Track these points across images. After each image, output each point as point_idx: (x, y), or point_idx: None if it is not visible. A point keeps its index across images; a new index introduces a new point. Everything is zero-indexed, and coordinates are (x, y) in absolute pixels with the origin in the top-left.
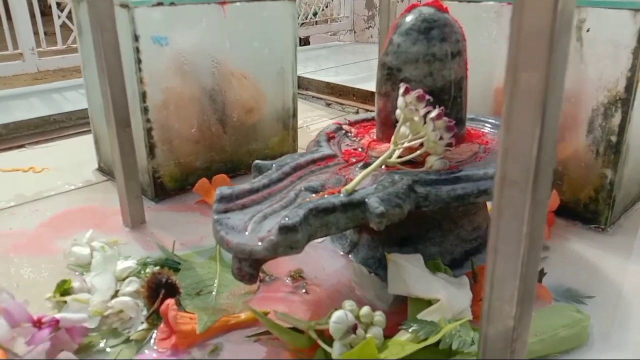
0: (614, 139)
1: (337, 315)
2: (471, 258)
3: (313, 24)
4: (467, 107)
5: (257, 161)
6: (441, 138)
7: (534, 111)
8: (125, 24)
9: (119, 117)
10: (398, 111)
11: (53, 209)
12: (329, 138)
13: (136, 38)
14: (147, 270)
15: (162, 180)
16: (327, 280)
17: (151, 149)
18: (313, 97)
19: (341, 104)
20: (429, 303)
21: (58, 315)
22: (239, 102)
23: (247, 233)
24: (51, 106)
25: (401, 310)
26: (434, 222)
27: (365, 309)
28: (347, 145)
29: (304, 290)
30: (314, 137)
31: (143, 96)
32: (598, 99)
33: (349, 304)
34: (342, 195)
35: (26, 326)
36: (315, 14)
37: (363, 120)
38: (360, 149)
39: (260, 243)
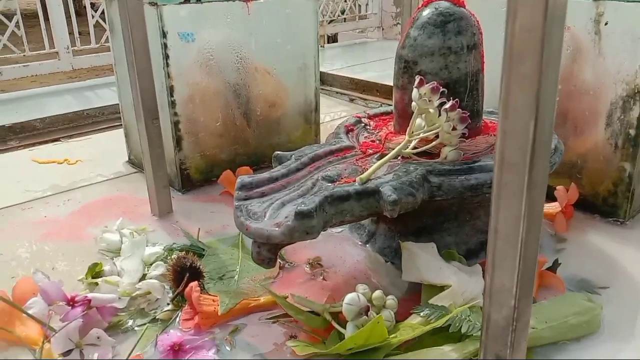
0: (632, 132)
1: (349, 297)
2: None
3: (341, 21)
4: (483, 100)
5: (277, 152)
6: (454, 129)
7: (530, 96)
8: (153, 21)
9: (147, 110)
10: (414, 103)
11: (85, 199)
12: (348, 130)
13: (164, 34)
14: (173, 255)
15: (188, 171)
16: (345, 268)
17: (178, 141)
18: (337, 92)
19: (364, 99)
20: (441, 289)
21: (90, 295)
22: (262, 97)
23: (265, 219)
24: (84, 103)
25: (415, 298)
26: (449, 213)
27: (378, 292)
28: (365, 137)
29: (321, 277)
30: (337, 126)
31: (171, 90)
32: (617, 92)
33: (362, 287)
34: (357, 183)
35: (61, 304)
36: (343, 12)
37: (382, 114)
38: (377, 141)
39: (277, 228)
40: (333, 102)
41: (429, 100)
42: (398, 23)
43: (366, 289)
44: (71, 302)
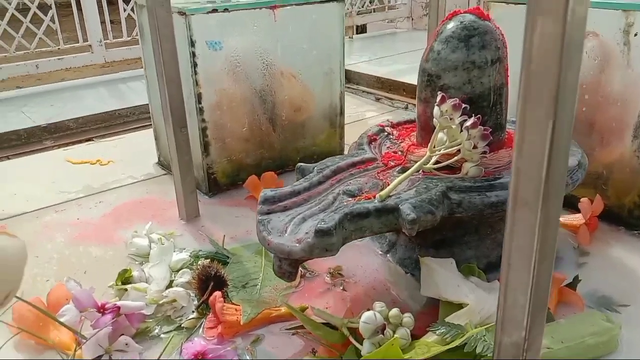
0: None
1: (366, 315)
2: None
3: (370, 12)
4: (507, 113)
5: (300, 164)
6: (475, 147)
7: (543, 138)
8: (182, 30)
9: (176, 119)
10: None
11: (116, 201)
12: (371, 140)
13: (192, 43)
14: (199, 262)
15: (215, 176)
16: (365, 278)
17: (206, 146)
18: (363, 91)
19: (391, 98)
20: (459, 306)
21: (119, 303)
22: (288, 102)
23: (286, 234)
24: (117, 96)
25: (433, 311)
26: (470, 227)
27: (394, 311)
28: (388, 147)
29: (341, 288)
30: (360, 135)
31: (199, 97)
32: None
33: (379, 305)
34: (376, 200)
35: (92, 311)
36: (371, 2)
37: (405, 122)
38: (399, 152)
39: (298, 244)
40: (359, 102)
41: (450, 118)
42: (428, 13)
43: (383, 306)
44: (101, 309)
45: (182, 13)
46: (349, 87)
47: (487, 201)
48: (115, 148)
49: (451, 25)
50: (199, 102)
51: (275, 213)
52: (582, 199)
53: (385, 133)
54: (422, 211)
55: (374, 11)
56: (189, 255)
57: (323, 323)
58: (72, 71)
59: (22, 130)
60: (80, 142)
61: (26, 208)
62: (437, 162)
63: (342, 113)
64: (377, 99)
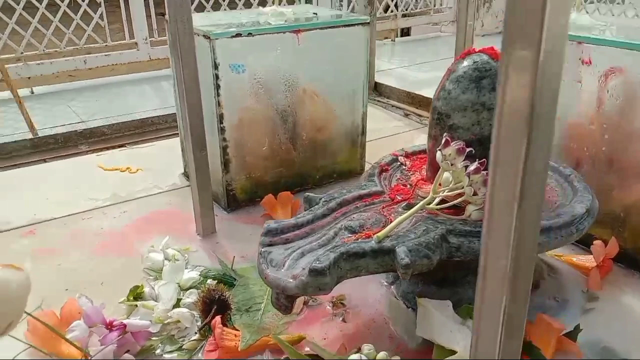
0: None
1: (352, 357)
2: None
3: (414, 15)
4: None
5: (308, 194)
6: (475, 193)
7: (507, 237)
8: (206, 53)
9: (196, 141)
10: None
11: (140, 211)
12: (382, 171)
13: (216, 66)
14: (208, 282)
15: (234, 192)
16: (367, 309)
17: (226, 164)
18: (392, 106)
19: (419, 115)
20: (452, 351)
21: (125, 321)
22: (309, 122)
23: (283, 269)
24: (159, 95)
25: (428, 351)
26: (474, 267)
27: (382, 355)
28: (398, 179)
29: (341, 318)
30: (372, 165)
31: (220, 118)
32: None
33: (367, 347)
34: (373, 241)
35: (100, 327)
36: (417, 4)
37: (420, 152)
38: (409, 185)
39: (292, 280)
40: (387, 116)
41: (451, 164)
42: (474, 18)
43: (371, 349)
44: (109, 326)
45: (206, 37)
46: (379, 101)
47: None
48: (145, 156)
49: (464, 64)
50: (221, 122)
51: (276, 245)
52: (595, 242)
53: (398, 163)
54: (418, 255)
55: (419, 14)
56: (199, 275)
57: (314, 356)
58: (118, 67)
59: (60, 135)
60: (113, 147)
61: (56, 213)
62: (443, 201)
63: (364, 133)
64: (406, 115)
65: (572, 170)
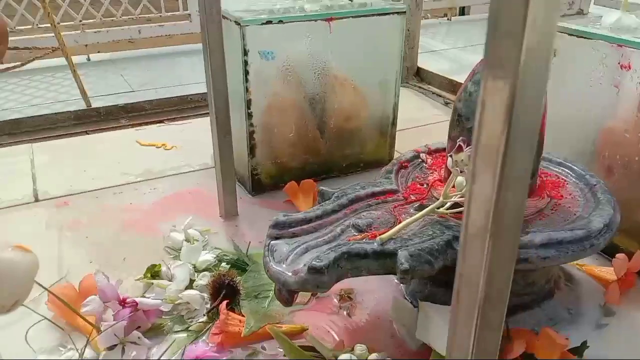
0: None
1: (342, 357)
2: (507, 321)
3: None
4: (538, 161)
5: (322, 188)
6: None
7: (482, 250)
8: (237, 39)
9: (220, 126)
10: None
11: (168, 189)
12: (401, 167)
13: (245, 52)
14: (222, 265)
15: (259, 176)
16: (373, 305)
17: (252, 149)
18: (433, 93)
19: None
20: None
21: (137, 299)
22: (338, 110)
23: (286, 263)
24: None
25: (428, 354)
26: None
27: (373, 356)
28: (416, 178)
29: (347, 312)
30: (391, 161)
31: (248, 103)
32: None
33: (359, 348)
34: (376, 243)
35: (114, 303)
36: None
37: (444, 149)
38: (425, 185)
39: (293, 276)
40: (426, 104)
41: (461, 171)
42: None
43: (364, 350)
44: (122, 303)
45: (237, 23)
46: (419, 87)
47: None
48: (181, 133)
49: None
50: (248, 108)
51: (283, 239)
52: (617, 255)
53: (419, 160)
54: (419, 261)
55: None
56: (214, 257)
57: (308, 348)
58: (172, 38)
59: (102, 108)
60: (152, 123)
61: (90, 186)
62: (456, 204)
63: (394, 124)
64: (446, 103)
65: (598, 180)
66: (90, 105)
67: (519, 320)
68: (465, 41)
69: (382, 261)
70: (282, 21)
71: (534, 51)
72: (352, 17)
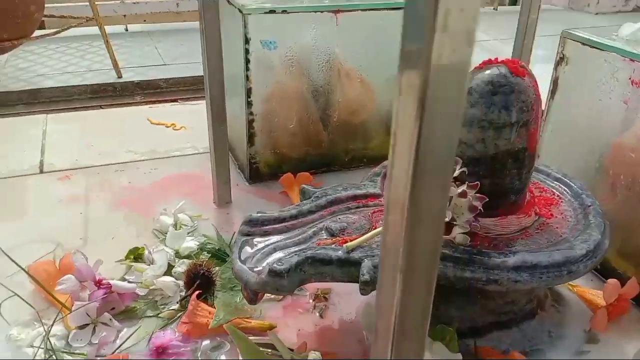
0: None
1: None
2: (476, 340)
3: None
4: (529, 177)
5: (304, 185)
6: (453, 219)
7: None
8: (238, 26)
9: (215, 114)
10: None
11: (169, 170)
12: None
13: (247, 40)
14: (202, 254)
15: (257, 165)
16: (347, 308)
17: (250, 137)
18: None
19: None
20: None
21: (112, 282)
22: (343, 103)
23: (251, 262)
24: None
25: None
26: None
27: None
28: None
29: (319, 313)
30: (382, 163)
31: (248, 92)
32: None
33: (313, 354)
34: (342, 250)
35: (90, 283)
36: None
37: None
38: None
39: (255, 276)
40: None
41: None
42: None
43: (318, 356)
44: (98, 284)
45: (240, 10)
46: None
47: (459, 275)
48: (192, 114)
49: (478, 76)
50: (249, 96)
51: (254, 236)
52: (609, 280)
53: None
54: None
55: None
56: (197, 245)
57: (267, 346)
58: None
59: (118, 84)
60: (166, 101)
61: (95, 161)
62: None
63: None
64: None
65: (594, 200)
66: (121, 76)
67: (494, 339)
68: (508, 33)
69: (346, 269)
70: (286, 11)
71: (445, 74)
72: (360, 10)
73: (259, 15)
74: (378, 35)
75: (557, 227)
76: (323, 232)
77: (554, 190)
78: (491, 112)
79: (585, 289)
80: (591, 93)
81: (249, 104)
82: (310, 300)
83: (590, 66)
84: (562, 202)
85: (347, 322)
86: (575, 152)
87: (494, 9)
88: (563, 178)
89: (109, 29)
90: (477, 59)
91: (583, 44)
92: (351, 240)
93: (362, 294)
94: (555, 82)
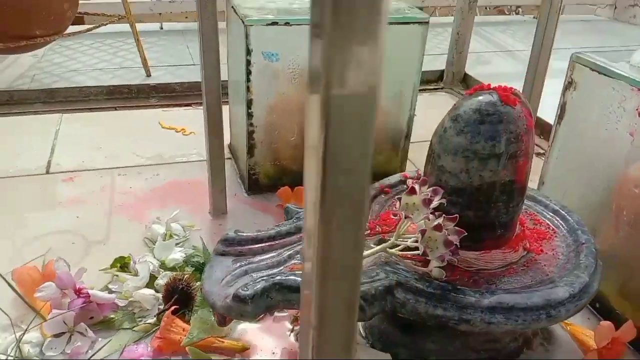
0: None
1: None
2: None
3: None
4: (517, 210)
5: (288, 205)
6: (425, 253)
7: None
8: (241, 37)
9: (212, 127)
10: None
11: (171, 176)
12: (381, 192)
13: (249, 52)
14: (186, 268)
15: (257, 177)
16: None
17: (250, 148)
18: None
19: None
20: None
21: (91, 291)
22: None
23: (221, 284)
24: None
25: None
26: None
27: None
28: (391, 205)
29: (295, 337)
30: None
31: (249, 103)
32: None
33: None
34: None
35: (70, 291)
36: None
37: None
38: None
39: (223, 299)
40: None
41: (411, 214)
42: (636, 4)
43: None
44: (77, 292)
45: (242, 21)
46: (461, 95)
47: (431, 312)
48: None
49: (467, 102)
50: (249, 108)
51: (228, 256)
52: (602, 322)
53: (405, 186)
54: None
55: None
56: (183, 258)
57: None
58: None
59: (134, 86)
60: (180, 105)
61: (99, 165)
62: (408, 248)
63: (407, 137)
64: None
65: (589, 238)
66: (150, 75)
67: None
68: (556, 44)
69: None
70: (288, 23)
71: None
72: None
73: (261, 27)
74: (386, 49)
75: (544, 265)
76: (298, 256)
77: (550, 224)
78: (477, 142)
79: (578, 328)
80: (598, 121)
81: (249, 115)
82: (289, 323)
83: (598, 93)
84: (555, 237)
85: None
86: (580, 182)
87: (533, 17)
88: (560, 211)
89: (144, 26)
90: (509, 69)
91: (592, 69)
92: None
93: None
94: (562, 107)
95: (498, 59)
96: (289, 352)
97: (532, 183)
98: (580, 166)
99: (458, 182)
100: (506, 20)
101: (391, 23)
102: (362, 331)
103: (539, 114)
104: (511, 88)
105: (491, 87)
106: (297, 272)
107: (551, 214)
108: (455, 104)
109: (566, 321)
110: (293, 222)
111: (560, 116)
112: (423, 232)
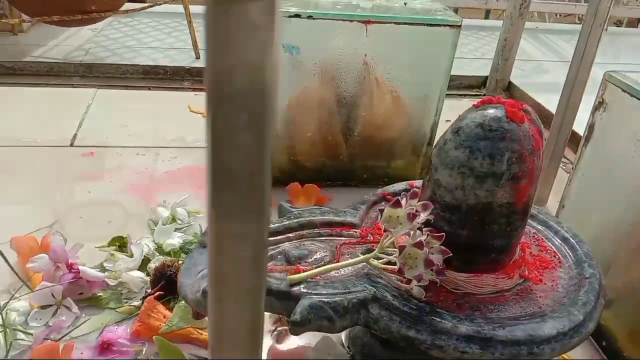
0: None
1: None
2: None
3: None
4: (516, 235)
5: (282, 202)
6: (401, 270)
7: None
8: None
9: None
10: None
11: (187, 160)
12: (381, 200)
13: None
14: (181, 255)
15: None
16: (307, 337)
17: None
18: None
19: None
20: None
21: (81, 268)
22: (367, 117)
23: (197, 277)
24: None
25: None
26: None
27: None
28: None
29: (276, 337)
30: (376, 190)
31: None
32: None
33: None
34: (284, 283)
35: (63, 265)
36: None
37: None
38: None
39: (194, 293)
40: None
41: (392, 229)
42: None
43: None
44: (69, 267)
45: None
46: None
47: (403, 333)
48: None
49: (472, 115)
50: None
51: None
52: None
53: (408, 194)
54: (318, 315)
55: None
56: (180, 244)
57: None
58: None
59: (169, 68)
60: None
61: (122, 142)
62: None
63: (430, 144)
64: None
65: (595, 273)
66: (199, 57)
67: None
68: (610, 56)
69: (285, 303)
70: (312, 16)
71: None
72: (394, 23)
73: (283, 19)
74: (413, 51)
75: (539, 296)
76: (281, 257)
77: (557, 252)
78: (475, 158)
79: None
80: (627, 147)
81: None
82: (271, 324)
83: (627, 116)
84: (559, 267)
85: (299, 353)
86: (601, 209)
87: (615, 24)
88: (571, 239)
89: (198, 8)
90: (555, 79)
91: (623, 90)
92: (304, 271)
93: (291, 334)
94: (590, 128)
95: (557, 69)
96: (274, 353)
97: (553, 205)
98: (604, 193)
99: (452, 198)
100: (573, 30)
101: (417, 24)
102: (344, 342)
103: (574, 128)
104: (522, 103)
105: (501, 100)
106: (271, 274)
107: (560, 241)
108: (460, 116)
109: (565, 355)
110: (283, 221)
111: (587, 137)
112: (401, 248)
